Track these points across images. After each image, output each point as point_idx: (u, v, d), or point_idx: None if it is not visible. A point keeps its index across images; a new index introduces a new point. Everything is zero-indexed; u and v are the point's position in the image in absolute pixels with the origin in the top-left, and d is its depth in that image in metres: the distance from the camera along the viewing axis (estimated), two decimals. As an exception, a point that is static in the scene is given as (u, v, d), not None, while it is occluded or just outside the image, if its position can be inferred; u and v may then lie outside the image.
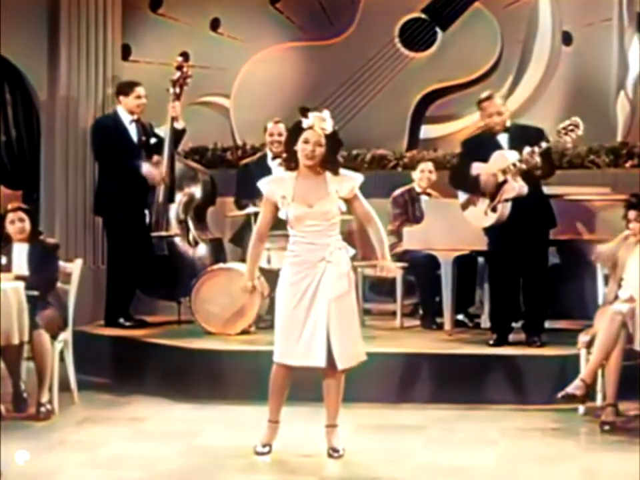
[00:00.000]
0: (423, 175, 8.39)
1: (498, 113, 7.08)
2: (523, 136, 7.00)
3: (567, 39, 9.09)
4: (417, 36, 9.27)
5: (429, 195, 8.35)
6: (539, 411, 6.51)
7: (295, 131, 5.36)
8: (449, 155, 8.88)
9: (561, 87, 9.04)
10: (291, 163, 5.38)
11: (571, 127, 6.79)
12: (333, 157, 5.36)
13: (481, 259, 7.80)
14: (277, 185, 5.43)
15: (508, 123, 7.16)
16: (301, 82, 9.31)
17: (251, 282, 5.56)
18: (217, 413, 6.52)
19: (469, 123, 9.07)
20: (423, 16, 9.25)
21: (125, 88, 8.06)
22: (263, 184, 5.45)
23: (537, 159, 6.82)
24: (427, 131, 9.32)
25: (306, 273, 5.35)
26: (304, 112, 9.26)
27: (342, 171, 5.43)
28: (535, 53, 9.16)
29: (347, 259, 5.44)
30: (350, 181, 5.42)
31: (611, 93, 8.91)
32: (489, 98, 7.16)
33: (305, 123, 5.31)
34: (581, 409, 6.37)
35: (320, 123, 5.31)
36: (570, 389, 6.12)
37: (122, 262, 7.93)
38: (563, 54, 9.08)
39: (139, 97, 7.99)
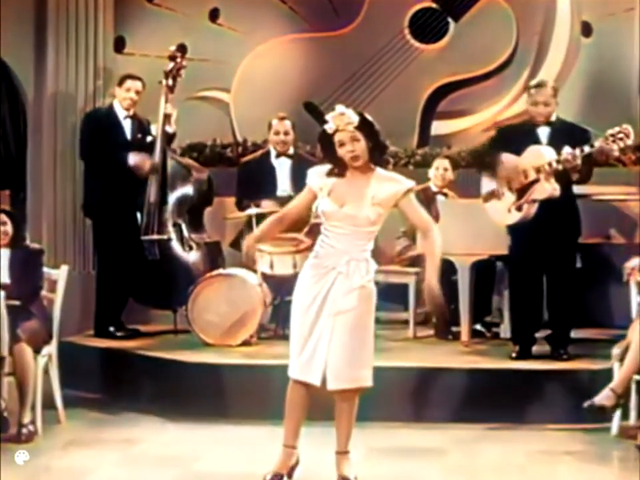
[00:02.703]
0: (437, 173, 8.04)
1: (545, 104, 6.66)
2: (566, 134, 6.58)
3: (586, 29, 8.82)
4: (427, 27, 8.98)
5: (445, 195, 7.99)
6: (567, 431, 6.13)
7: (326, 141, 4.95)
8: (463, 152, 8.62)
9: (580, 80, 8.76)
10: (341, 170, 4.96)
11: (620, 135, 6.32)
12: (375, 144, 4.91)
13: (499, 264, 7.46)
14: (320, 174, 5.01)
15: (553, 117, 6.73)
16: (304, 76, 9.02)
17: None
18: (217, 433, 6.13)
19: (483, 119, 8.92)
20: (434, 5, 8.97)
21: (121, 79, 7.85)
22: (310, 172, 5.08)
23: (578, 162, 6.38)
24: (439, 127, 9.06)
25: (317, 279, 4.94)
26: (309, 107, 9.06)
27: (388, 173, 4.99)
28: (553, 44, 8.88)
29: (365, 272, 4.95)
30: (390, 185, 4.93)
31: (634, 87, 8.61)
32: (539, 85, 6.78)
33: (329, 128, 4.91)
34: (614, 428, 5.97)
35: (342, 120, 4.88)
36: (598, 399, 5.73)
37: (112, 267, 7.64)
38: (583, 46, 8.82)
39: (128, 89, 7.74)
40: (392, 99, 8.91)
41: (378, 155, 4.93)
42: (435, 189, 7.99)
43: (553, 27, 8.87)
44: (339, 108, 4.92)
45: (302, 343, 4.93)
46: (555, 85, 6.89)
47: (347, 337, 4.88)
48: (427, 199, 7.85)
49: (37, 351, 6.06)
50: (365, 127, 4.89)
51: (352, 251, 4.91)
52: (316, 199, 5.01)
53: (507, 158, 6.59)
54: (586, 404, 5.72)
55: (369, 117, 4.93)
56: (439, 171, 8.02)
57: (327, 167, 5.03)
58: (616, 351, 6.01)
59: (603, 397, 5.72)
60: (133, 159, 7.63)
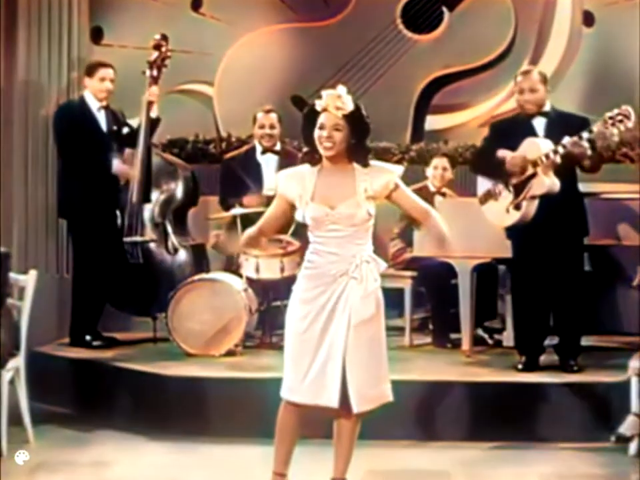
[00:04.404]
0: (436, 173, 7.75)
1: (531, 90, 6.33)
2: (564, 124, 6.25)
3: (588, 19, 8.64)
4: (421, 16, 8.82)
5: (443, 194, 7.69)
6: (581, 450, 5.76)
7: (309, 117, 4.63)
8: (461, 148, 8.46)
9: (581, 71, 8.62)
10: (313, 155, 4.64)
11: (619, 117, 6.01)
12: (357, 142, 4.59)
13: (502, 267, 7.12)
14: (294, 180, 4.68)
15: (547, 107, 6.40)
16: (292, 68, 8.88)
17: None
18: (200, 454, 5.84)
19: (479, 113, 8.84)
20: (428, -6, 8.91)
21: (90, 68, 7.50)
22: (279, 178, 4.77)
23: (585, 146, 6.06)
24: (433, 122, 8.94)
25: (322, 289, 4.57)
26: (296, 101, 8.80)
27: (375, 163, 4.68)
28: (553, 34, 8.71)
29: (376, 274, 4.64)
30: (382, 175, 4.63)
31: (637, 78, 8.36)
32: (525, 72, 6.48)
33: (319, 104, 4.58)
34: (632, 449, 5.58)
35: (335, 102, 4.55)
36: (624, 429, 5.45)
37: (89, 271, 7.30)
38: (584, 36, 8.65)
39: (102, 79, 7.39)
40: (384, 92, 8.74)
41: (357, 154, 4.60)
42: (433, 188, 7.71)
43: (553, 16, 8.74)
44: (340, 89, 4.60)
45: (307, 361, 4.57)
46: (542, 71, 6.62)
47: (366, 351, 4.57)
48: (424, 199, 7.52)
49: (1, 365, 5.72)
50: (354, 120, 4.56)
51: (358, 252, 4.58)
52: (292, 207, 4.69)
53: (503, 154, 6.28)
54: (613, 437, 5.46)
55: (364, 113, 4.61)
56: (438, 170, 7.74)
57: (296, 169, 4.74)
58: (633, 363, 5.65)
59: (629, 426, 5.46)
60: (116, 166, 7.34)
